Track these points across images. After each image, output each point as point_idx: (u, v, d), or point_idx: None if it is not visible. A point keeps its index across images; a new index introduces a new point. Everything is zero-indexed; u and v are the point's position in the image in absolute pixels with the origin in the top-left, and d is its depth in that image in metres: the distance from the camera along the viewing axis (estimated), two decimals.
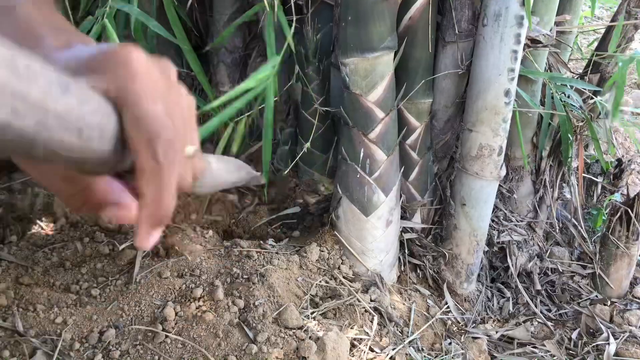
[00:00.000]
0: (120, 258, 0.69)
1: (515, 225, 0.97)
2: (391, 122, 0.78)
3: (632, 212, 0.89)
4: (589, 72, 0.97)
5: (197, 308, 0.65)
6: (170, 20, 0.74)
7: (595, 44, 1.07)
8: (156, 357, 0.61)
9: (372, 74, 0.74)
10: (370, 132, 0.76)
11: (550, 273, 0.98)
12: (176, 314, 0.64)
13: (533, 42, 0.81)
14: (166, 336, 0.62)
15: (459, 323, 0.87)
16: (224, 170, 0.32)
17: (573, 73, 0.99)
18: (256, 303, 0.66)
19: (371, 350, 0.71)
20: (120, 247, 0.70)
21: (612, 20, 0.98)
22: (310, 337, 0.65)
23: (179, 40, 0.74)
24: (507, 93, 0.77)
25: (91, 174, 0.23)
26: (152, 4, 0.76)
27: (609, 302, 0.92)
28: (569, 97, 0.90)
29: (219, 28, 0.86)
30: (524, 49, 0.79)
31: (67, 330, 0.61)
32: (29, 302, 0.63)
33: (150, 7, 0.76)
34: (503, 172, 0.84)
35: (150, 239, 0.24)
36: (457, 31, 0.79)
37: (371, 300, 0.77)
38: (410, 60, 0.81)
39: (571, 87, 0.93)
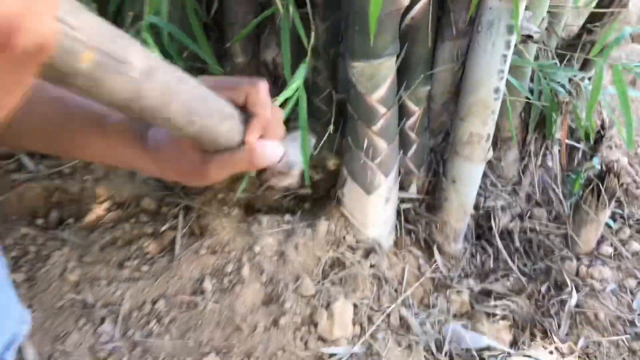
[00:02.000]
0: (163, 237, 0.83)
1: (501, 190, 1.10)
2: (392, 116, 0.88)
3: (602, 185, 1.01)
4: (577, 51, 1.05)
5: (229, 282, 0.79)
6: (196, 33, 0.82)
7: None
8: (199, 322, 0.76)
9: (376, 76, 0.83)
10: (374, 126, 0.87)
11: (529, 232, 1.12)
12: (212, 286, 0.79)
13: (525, 38, 0.89)
14: (205, 306, 0.77)
15: (446, 279, 1.02)
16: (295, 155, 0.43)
17: (561, 52, 1.06)
18: (279, 277, 0.81)
19: (371, 309, 0.87)
20: (162, 229, 0.83)
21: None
22: (321, 305, 0.80)
23: (204, 53, 0.83)
24: (496, 90, 0.86)
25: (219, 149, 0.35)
26: (177, 15, 0.83)
27: (576, 259, 1.07)
28: (557, 82, 0.99)
29: (235, 30, 0.93)
30: (516, 44, 0.88)
31: (125, 301, 0.77)
32: (93, 277, 0.78)
33: (175, 16, 0.84)
34: (490, 154, 0.95)
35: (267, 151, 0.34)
36: (454, 32, 0.87)
37: (371, 266, 0.92)
38: (411, 56, 0.89)
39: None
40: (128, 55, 0.24)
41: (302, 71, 0.82)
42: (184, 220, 0.86)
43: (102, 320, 0.74)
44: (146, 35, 0.74)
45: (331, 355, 0.77)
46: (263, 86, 0.34)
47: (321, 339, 0.79)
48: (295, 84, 0.80)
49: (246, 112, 0.34)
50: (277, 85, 1.07)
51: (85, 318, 0.74)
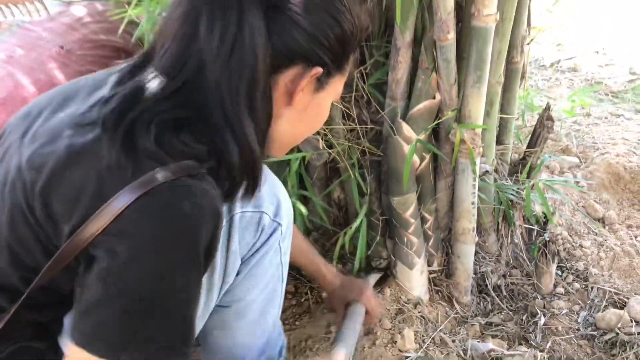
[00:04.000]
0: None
1: (489, 261, 1.77)
2: (418, 223, 1.57)
3: (547, 251, 1.68)
4: (519, 172, 1.77)
5: None
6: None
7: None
8: None
9: (406, 203, 1.53)
10: (408, 230, 1.56)
11: (510, 285, 1.77)
12: None
13: (483, 173, 1.61)
14: None
15: (463, 318, 1.66)
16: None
17: (512, 175, 1.78)
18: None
19: (422, 335, 1.51)
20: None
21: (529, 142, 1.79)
22: (397, 332, 1.44)
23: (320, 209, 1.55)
24: (473, 203, 1.56)
25: None
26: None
27: (541, 298, 1.71)
28: (509, 193, 1.70)
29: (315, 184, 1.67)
30: (480, 176, 1.59)
31: None
32: None
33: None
34: (476, 239, 1.64)
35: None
36: (444, 174, 1.59)
37: (419, 312, 1.57)
38: (423, 189, 1.60)
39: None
40: None
41: (365, 207, 1.54)
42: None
43: None
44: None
45: (407, 357, 1.40)
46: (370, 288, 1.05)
47: (400, 350, 1.43)
48: (361, 215, 1.50)
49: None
50: (342, 212, 1.78)
51: None
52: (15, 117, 0.78)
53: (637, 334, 1.52)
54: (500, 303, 1.71)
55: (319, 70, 0.73)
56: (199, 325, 0.93)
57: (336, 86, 0.80)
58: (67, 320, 0.76)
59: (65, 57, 1.83)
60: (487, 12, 1.31)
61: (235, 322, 1.01)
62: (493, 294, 1.73)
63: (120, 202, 0.60)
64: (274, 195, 0.94)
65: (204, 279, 0.71)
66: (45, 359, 0.75)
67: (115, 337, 0.61)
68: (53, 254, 0.65)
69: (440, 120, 1.47)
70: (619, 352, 1.49)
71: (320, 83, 0.76)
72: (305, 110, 0.77)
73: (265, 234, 0.92)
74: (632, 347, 1.49)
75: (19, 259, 0.70)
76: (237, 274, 0.93)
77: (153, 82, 0.67)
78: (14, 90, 1.62)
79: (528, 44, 1.78)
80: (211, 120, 0.66)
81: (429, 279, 1.66)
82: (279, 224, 0.94)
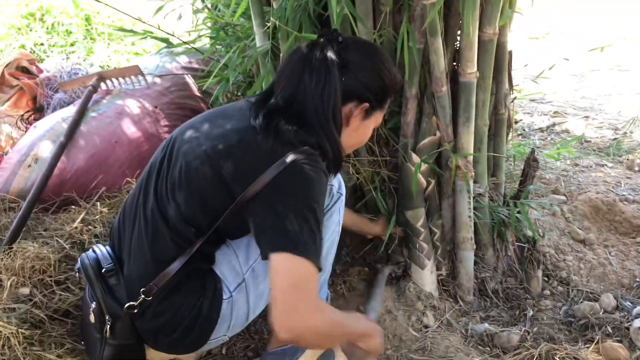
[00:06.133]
0: None
1: (487, 269, 2.19)
2: (427, 234, 2.03)
3: (533, 259, 2.10)
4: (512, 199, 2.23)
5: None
6: None
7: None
8: None
9: (417, 215, 2.00)
10: (419, 237, 2.01)
11: (506, 289, 2.17)
12: None
13: (476, 195, 2.07)
14: None
15: (467, 313, 2.06)
16: None
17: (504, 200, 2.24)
18: (398, 307, 1.88)
19: (435, 318, 1.91)
20: None
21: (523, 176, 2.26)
22: (419, 314, 1.86)
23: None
24: (469, 217, 2.02)
25: None
26: None
27: (531, 298, 2.11)
28: (502, 214, 2.15)
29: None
30: (475, 198, 2.05)
31: None
32: None
33: None
34: (474, 247, 2.07)
35: None
36: (447, 195, 2.06)
37: (429, 302, 1.98)
38: (430, 207, 2.07)
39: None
40: None
41: (393, 222, 2.01)
42: None
43: None
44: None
45: (425, 327, 1.82)
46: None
47: (423, 325, 1.84)
48: (392, 222, 1.98)
49: None
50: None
51: None
52: (180, 128, 1.28)
53: (605, 319, 1.90)
54: (497, 302, 2.11)
55: (366, 105, 1.27)
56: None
57: (377, 117, 1.35)
58: (219, 254, 1.28)
59: (158, 114, 2.42)
60: (470, 71, 1.85)
61: None
62: (492, 295, 2.13)
63: (273, 171, 1.09)
64: (337, 177, 1.47)
65: None
66: (205, 279, 1.25)
67: (289, 236, 1.07)
68: (227, 205, 1.15)
69: (440, 150, 1.96)
70: (590, 332, 1.87)
71: (367, 114, 1.30)
72: (356, 131, 1.31)
73: (332, 200, 1.43)
74: (600, 328, 1.87)
75: (207, 205, 1.18)
76: None
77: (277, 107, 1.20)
78: (126, 132, 2.21)
79: (512, 101, 2.31)
80: (313, 129, 1.18)
81: (438, 280, 2.09)
82: (341, 194, 1.45)
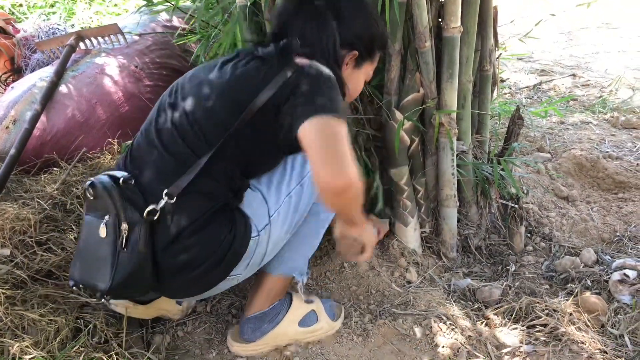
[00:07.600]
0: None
1: (471, 227, 2.21)
2: (411, 191, 2.03)
3: (516, 215, 2.12)
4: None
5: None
6: None
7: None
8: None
9: (401, 173, 2.00)
10: (403, 195, 2.01)
11: (490, 246, 2.20)
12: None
13: (460, 153, 2.07)
14: None
15: (450, 268, 2.09)
16: None
17: (489, 157, 2.24)
18: (383, 260, 1.90)
19: (418, 273, 1.94)
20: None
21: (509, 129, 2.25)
22: (404, 268, 1.88)
23: None
24: (453, 174, 2.02)
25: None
26: None
27: (514, 254, 2.14)
28: (486, 171, 2.16)
29: None
30: (459, 155, 2.05)
31: None
32: None
33: None
34: (457, 203, 2.08)
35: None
36: (430, 152, 2.05)
37: (413, 259, 2.00)
38: (414, 165, 2.07)
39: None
40: None
41: (377, 174, 2.01)
42: None
43: None
44: None
45: (408, 282, 1.84)
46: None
47: (406, 281, 1.86)
48: (376, 181, 1.97)
49: None
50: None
51: None
52: (183, 78, 1.39)
53: (585, 272, 1.93)
54: (480, 259, 2.13)
55: (356, 53, 1.39)
56: None
57: (367, 69, 1.46)
58: (248, 194, 1.34)
59: (139, 73, 2.38)
60: (453, 25, 1.82)
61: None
62: (475, 252, 2.16)
63: (287, 73, 1.25)
64: None
65: None
66: (234, 214, 1.29)
67: (315, 105, 1.18)
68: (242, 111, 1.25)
69: (423, 107, 1.95)
70: (570, 286, 1.90)
71: (357, 64, 1.41)
72: (348, 79, 1.39)
73: None
74: (581, 281, 1.90)
75: (236, 103, 1.27)
76: None
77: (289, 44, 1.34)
78: (107, 92, 2.17)
79: (497, 57, 2.29)
80: (317, 55, 1.32)
81: (421, 237, 2.10)
82: None
